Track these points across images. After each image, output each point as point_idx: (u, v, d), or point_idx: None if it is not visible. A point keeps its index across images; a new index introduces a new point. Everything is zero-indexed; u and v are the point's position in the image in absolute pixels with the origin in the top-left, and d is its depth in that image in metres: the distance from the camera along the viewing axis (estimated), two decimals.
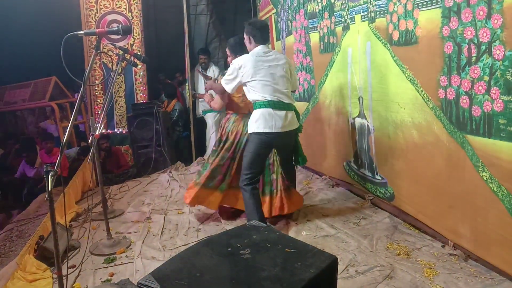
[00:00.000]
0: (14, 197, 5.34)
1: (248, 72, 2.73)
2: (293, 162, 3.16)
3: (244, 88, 2.85)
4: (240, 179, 2.86)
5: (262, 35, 2.84)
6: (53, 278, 2.43)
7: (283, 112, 2.75)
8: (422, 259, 2.35)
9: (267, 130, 2.72)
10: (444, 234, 2.50)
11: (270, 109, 2.73)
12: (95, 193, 3.69)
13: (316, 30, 3.79)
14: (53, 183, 1.66)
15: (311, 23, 3.89)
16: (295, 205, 3.12)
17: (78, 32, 1.99)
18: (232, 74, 2.80)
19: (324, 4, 3.60)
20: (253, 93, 2.78)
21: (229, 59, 3.16)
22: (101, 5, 5.34)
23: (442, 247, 2.48)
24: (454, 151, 2.31)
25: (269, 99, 2.73)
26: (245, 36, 2.90)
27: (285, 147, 3.00)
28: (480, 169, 2.12)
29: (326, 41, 3.64)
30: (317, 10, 3.75)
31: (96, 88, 5.40)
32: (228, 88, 2.84)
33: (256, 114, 2.76)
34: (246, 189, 2.79)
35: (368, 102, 3.11)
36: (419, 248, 2.49)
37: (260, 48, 2.82)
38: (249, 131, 2.84)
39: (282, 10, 4.63)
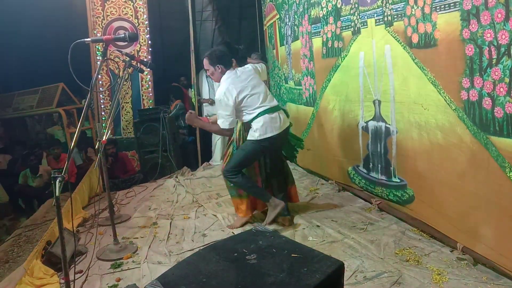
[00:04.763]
0: (24, 202, 5.39)
1: (238, 95, 2.83)
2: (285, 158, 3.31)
3: (237, 115, 2.92)
4: (225, 169, 3.02)
5: (228, 59, 2.95)
6: (60, 283, 2.44)
7: (276, 114, 2.93)
8: (431, 265, 2.32)
9: (268, 135, 2.88)
10: (459, 236, 2.45)
11: (267, 115, 2.88)
12: (101, 198, 3.70)
13: (319, 35, 3.80)
14: (60, 188, 1.68)
15: (314, 28, 3.89)
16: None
17: (86, 40, 2.01)
18: (226, 107, 2.82)
19: (330, 9, 3.60)
20: (246, 115, 2.90)
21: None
22: (107, 12, 5.41)
23: (451, 251, 2.45)
24: (478, 152, 2.29)
25: (262, 109, 2.88)
26: (211, 69, 2.91)
27: (280, 147, 3.16)
28: (507, 170, 2.10)
29: (329, 46, 3.64)
30: (321, 15, 3.75)
31: (103, 94, 5.45)
32: (230, 124, 2.87)
33: (255, 124, 2.89)
34: (236, 177, 2.95)
35: (389, 104, 3.09)
36: (428, 253, 2.46)
37: (229, 72, 2.91)
38: (249, 139, 2.94)
39: (287, 16, 4.64)
